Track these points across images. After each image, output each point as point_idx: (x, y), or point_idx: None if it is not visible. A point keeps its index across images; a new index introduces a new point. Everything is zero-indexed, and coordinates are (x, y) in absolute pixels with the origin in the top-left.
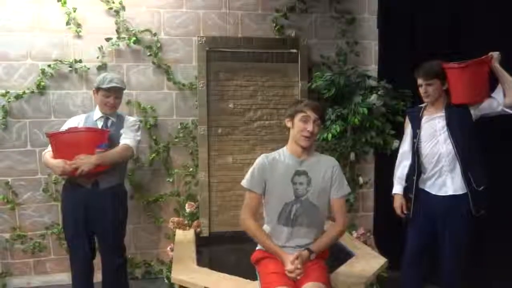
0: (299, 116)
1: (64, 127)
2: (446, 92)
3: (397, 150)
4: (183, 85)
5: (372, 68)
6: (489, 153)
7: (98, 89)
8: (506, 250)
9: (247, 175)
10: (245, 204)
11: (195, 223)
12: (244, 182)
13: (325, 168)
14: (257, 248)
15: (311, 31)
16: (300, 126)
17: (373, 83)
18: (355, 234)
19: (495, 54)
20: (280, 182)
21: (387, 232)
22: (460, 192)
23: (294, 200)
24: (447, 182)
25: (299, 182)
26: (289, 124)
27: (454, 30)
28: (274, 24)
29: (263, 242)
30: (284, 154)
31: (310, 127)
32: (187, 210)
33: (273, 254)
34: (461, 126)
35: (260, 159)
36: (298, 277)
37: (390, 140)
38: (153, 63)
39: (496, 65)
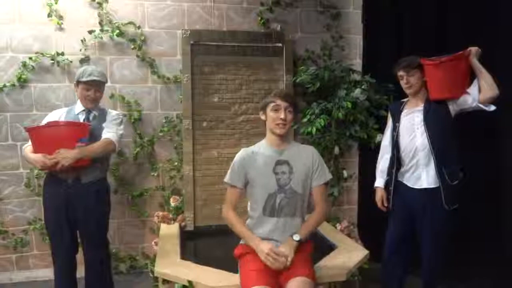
0: (270, 107)
1: (45, 121)
2: (426, 87)
3: (380, 144)
4: (168, 78)
5: (357, 63)
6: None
7: (78, 82)
8: (478, 247)
9: (228, 171)
10: (226, 199)
11: (180, 217)
12: (225, 178)
13: (305, 156)
14: (240, 242)
15: (296, 25)
16: (272, 116)
17: (357, 77)
18: (339, 227)
19: (474, 49)
20: (262, 173)
21: (371, 225)
22: (434, 186)
23: (277, 190)
24: (422, 175)
25: (281, 171)
26: (263, 117)
27: (438, 26)
28: (259, 18)
29: (241, 231)
30: (264, 147)
31: (282, 115)
32: (172, 204)
33: (250, 244)
34: (438, 121)
35: (240, 153)
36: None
37: (373, 134)
38: (137, 56)
39: (474, 60)
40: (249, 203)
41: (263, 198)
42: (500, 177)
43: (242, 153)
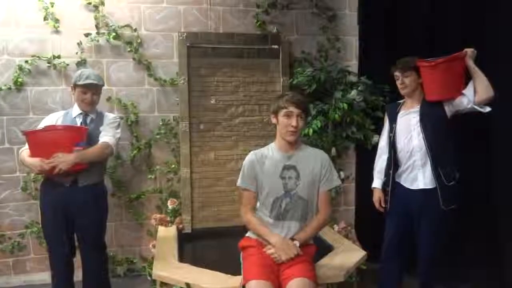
0: (282, 112)
1: (42, 124)
2: (422, 88)
3: (377, 145)
4: (164, 81)
5: (353, 64)
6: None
7: (75, 85)
8: (474, 247)
9: (240, 174)
10: (242, 202)
11: (177, 219)
12: (238, 182)
13: (314, 161)
14: (246, 234)
15: (292, 27)
16: (284, 122)
17: (353, 78)
18: (336, 228)
19: (469, 51)
20: (269, 177)
21: (368, 226)
22: (430, 187)
23: (283, 194)
24: (418, 176)
25: (288, 176)
26: (274, 121)
27: (433, 28)
28: (256, 20)
29: (256, 227)
30: (273, 150)
31: (294, 122)
32: (169, 206)
33: (264, 239)
34: (434, 122)
35: (249, 156)
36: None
37: (370, 135)
38: (134, 59)
39: (470, 62)
40: (257, 205)
41: (270, 201)
42: (496, 178)
43: (251, 156)
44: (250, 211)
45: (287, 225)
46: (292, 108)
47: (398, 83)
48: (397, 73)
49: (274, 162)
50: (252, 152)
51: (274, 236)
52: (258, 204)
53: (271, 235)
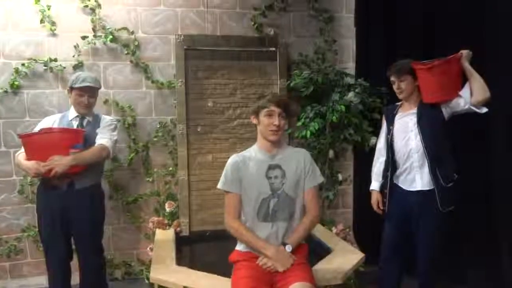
0: (263, 112)
1: (38, 127)
2: (419, 90)
3: (375, 147)
4: (162, 83)
5: (350, 66)
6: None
7: (71, 88)
8: (473, 248)
9: (222, 177)
10: (226, 206)
11: (175, 222)
12: (220, 185)
13: (297, 159)
14: (236, 248)
15: (289, 29)
16: (265, 121)
17: (350, 81)
18: (334, 230)
19: (465, 52)
20: (255, 178)
21: (367, 228)
22: (428, 188)
23: (271, 194)
24: (416, 178)
25: (274, 175)
26: (255, 121)
27: (430, 29)
28: (253, 23)
29: (250, 240)
30: (255, 151)
31: (276, 121)
32: (167, 209)
33: (260, 251)
34: (431, 124)
35: (232, 159)
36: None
37: (367, 137)
38: (131, 61)
39: (466, 64)
40: (241, 209)
41: (257, 203)
42: (495, 179)
43: (234, 158)
44: (237, 219)
45: (275, 226)
46: (273, 107)
47: (394, 87)
48: (393, 78)
49: (259, 162)
50: (234, 154)
51: (270, 248)
52: (241, 209)
53: (266, 247)
